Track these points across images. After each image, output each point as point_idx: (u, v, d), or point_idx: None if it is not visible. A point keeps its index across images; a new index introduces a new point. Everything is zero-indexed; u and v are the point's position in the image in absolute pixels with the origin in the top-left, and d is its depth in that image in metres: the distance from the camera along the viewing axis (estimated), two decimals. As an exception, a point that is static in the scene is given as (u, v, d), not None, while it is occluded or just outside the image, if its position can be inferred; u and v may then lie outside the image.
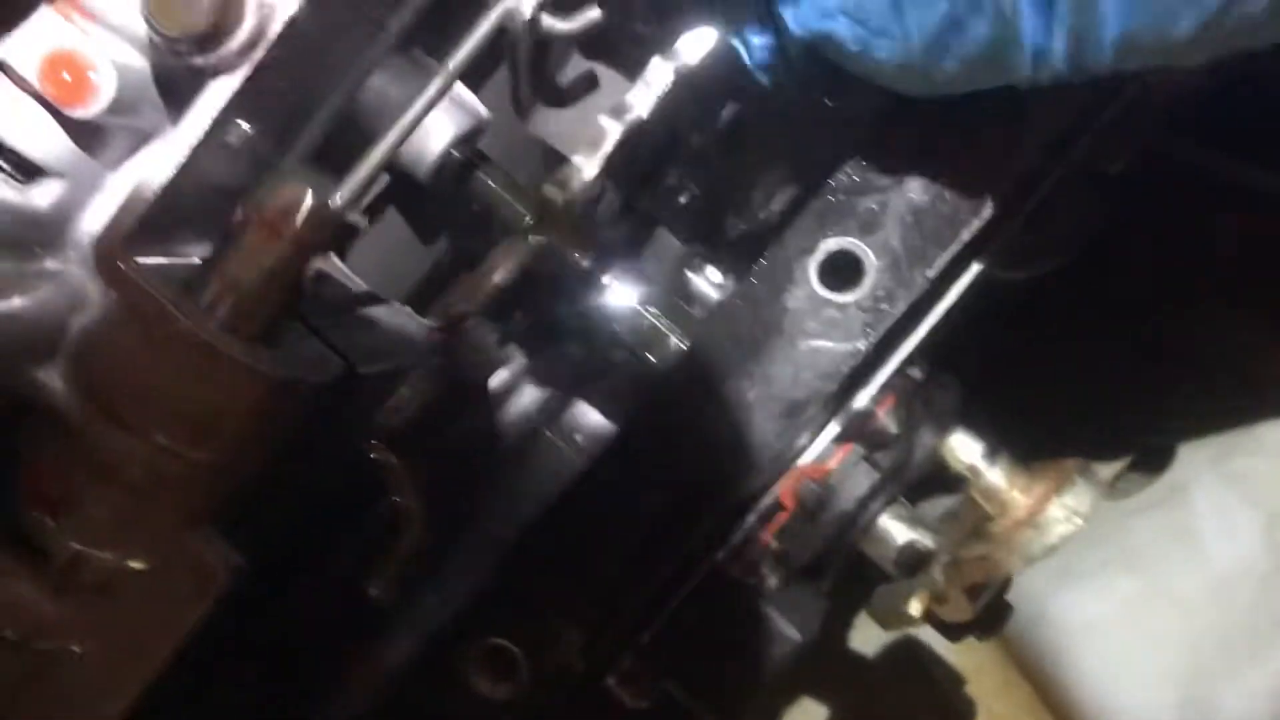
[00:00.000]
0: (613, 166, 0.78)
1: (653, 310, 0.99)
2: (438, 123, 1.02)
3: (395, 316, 1.06)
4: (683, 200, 1.10)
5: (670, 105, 0.79)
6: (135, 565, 0.83)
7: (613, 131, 0.77)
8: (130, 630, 0.84)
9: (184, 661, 0.86)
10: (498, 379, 1.11)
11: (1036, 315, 1.13)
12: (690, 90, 0.80)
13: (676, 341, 0.97)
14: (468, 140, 1.03)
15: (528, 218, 0.77)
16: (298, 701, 1.00)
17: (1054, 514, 0.71)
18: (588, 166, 0.77)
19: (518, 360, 1.13)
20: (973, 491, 0.75)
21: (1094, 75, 0.68)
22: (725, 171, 1.07)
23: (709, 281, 1.11)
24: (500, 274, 0.75)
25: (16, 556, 0.82)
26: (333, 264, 1.02)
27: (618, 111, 0.78)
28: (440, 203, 1.10)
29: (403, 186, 1.08)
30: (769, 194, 1.07)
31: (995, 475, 0.75)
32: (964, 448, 0.75)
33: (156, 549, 0.82)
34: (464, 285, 0.76)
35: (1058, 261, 1.00)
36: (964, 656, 1.45)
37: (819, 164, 0.92)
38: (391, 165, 0.95)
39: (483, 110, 1.04)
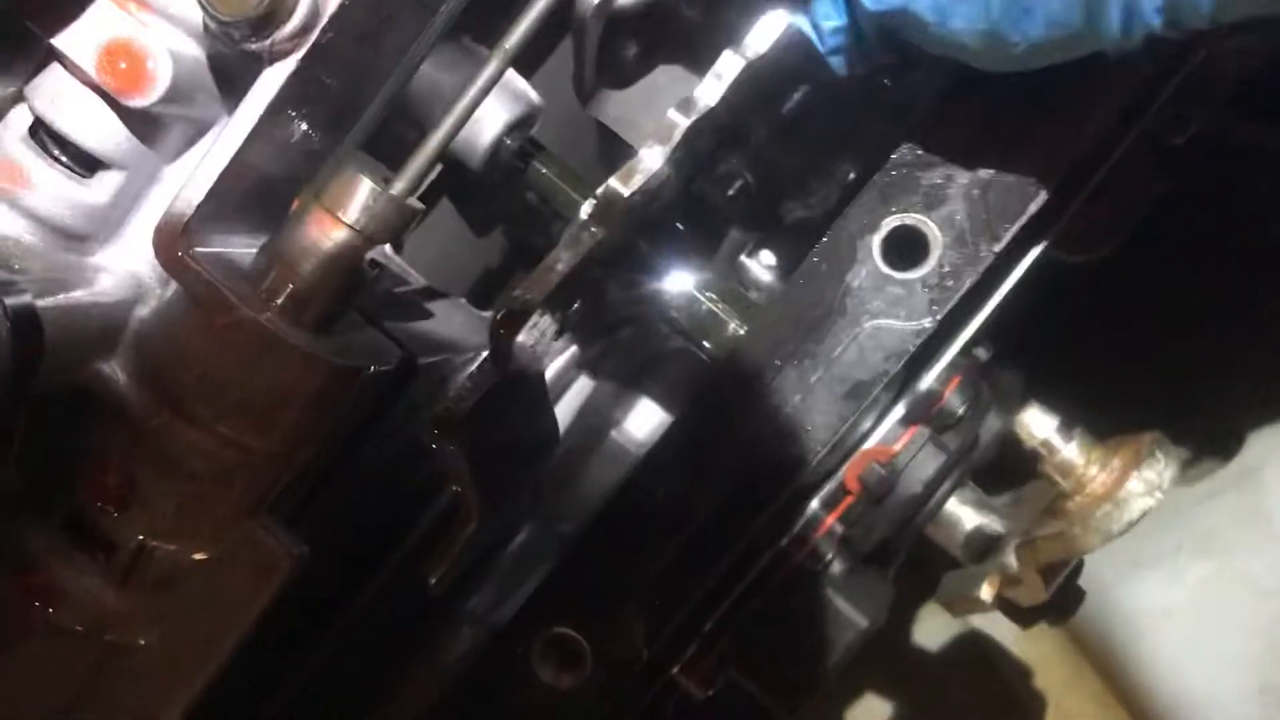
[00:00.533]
0: (678, 159, 0.76)
1: (710, 295, 0.98)
2: (490, 110, 1.02)
3: (451, 308, 1.05)
4: (739, 186, 1.09)
5: (739, 96, 0.78)
6: (198, 556, 0.83)
7: (681, 125, 0.76)
8: (194, 621, 0.84)
9: (247, 653, 0.86)
10: (553, 370, 1.11)
11: (1102, 297, 1.10)
12: (759, 81, 0.78)
13: (735, 327, 0.96)
14: (521, 127, 1.03)
15: (590, 207, 0.76)
16: (363, 693, 0.99)
17: (1134, 488, 0.69)
18: (653, 160, 0.75)
19: (572, 351, 1.12)
20: (1047, 468, 0.73)
21: (1190, 30, 0.65)
22: (781, 157, 1.05)
23: (764, 266, 1.09)
24: (564, 264, 0.74)
25: (82, 549, 0.82)
26: (388, 256, 1.02)
27: (686, 105, 0.77)
28: (493, 193, 1.10)
29: (455, 177, 1.07)
30: (825, 178, 1.06)
31: (1071, 450, 0.73)
32: (1037, 423, 0.73)
33: (219, 539, 0.82)
34: (528, 276, 0.75)
35: (1117, 242, 0.98)
36: (1031, 648, 1.42)
37: (876, 146, 0.91)
38: (444, 155, 0.94)
39: (535, 97, 1.04)
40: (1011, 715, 1.42)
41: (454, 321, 1.03)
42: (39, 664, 0.85)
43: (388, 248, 1.01)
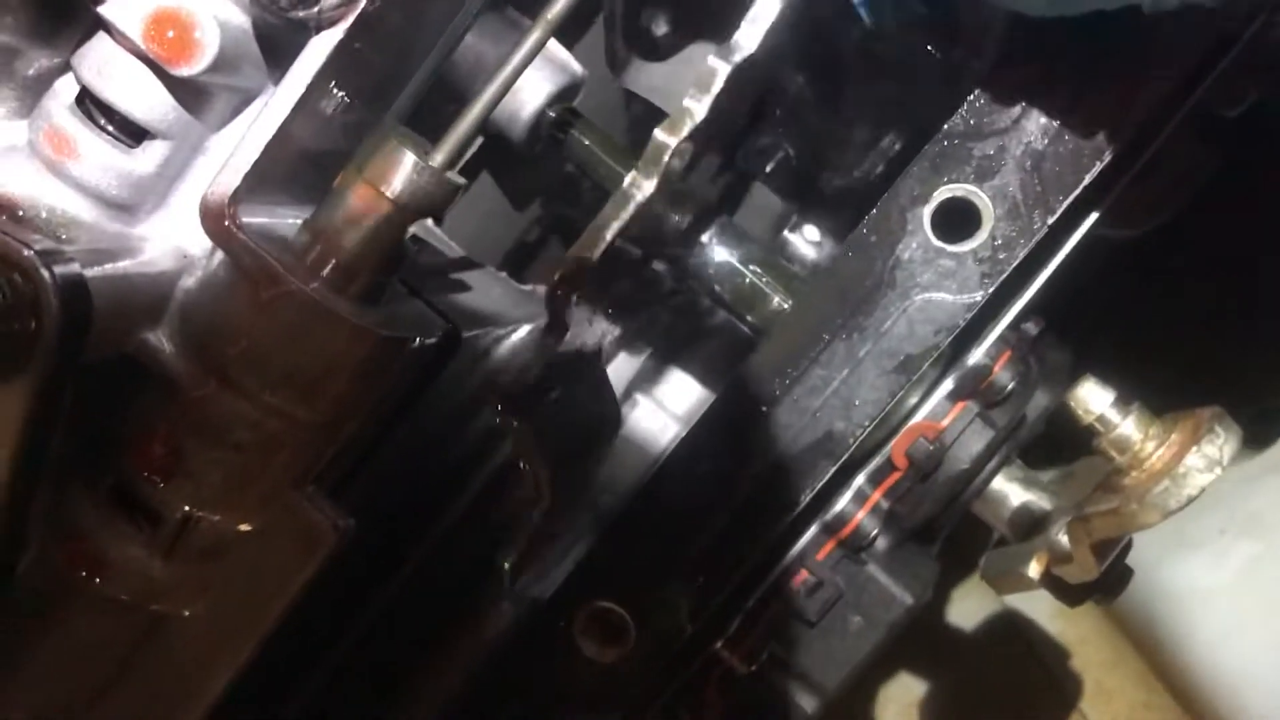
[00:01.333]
0: (720, 109, 0.75)
1: (753, 269, 0.97)
2: (533, 81, 1.01)
3: (491, 281, 1.05)
4: (779, 158, 1.08)
5: (776, 41, 0.76)
6: (244, 527, 0.83)
7: (721, 71, 0.75)
8: (239, 592, 0.84)
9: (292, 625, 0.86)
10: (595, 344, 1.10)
11: (1156, 270, 1.08)
12: (795, 27, 0.77)
13: (779, 301, 0.95)
14: (563, 98, 1.02)
15: (636, 169, 0.75)
16: (404, 667, 0.99)
17: (1193, 464, 0.68)
18: (698, 108, 0.74)
19: (615, 328, 1.11)
20: (1103, 443, 0.72)
21: None
22: (823, 126, 1.04)
23: (808, 241, 1.08)
24: (616, 221, 0.73)
25: (128, 519, 0.82)
26: (429, 229, 1.01)
27: (726, 51, 0.76)
28: (533, 165, 1.09)
29: (496, 149, 1.07)
30: (868, 148, 1.05)
31: (1128, 426, 0.71)
32: (1093, 398, 0.71)
33: (265, 510, 0.82)
34: (579, 241, 0.75)
35: (1166, 217, 0.96)
36: (1069, 628, 1.41)
37: (925, 116, 0.89)
38: (485, 127, 0.93)
39: (578, 67, 1.03)
40: (1049, 695, 1.41)
41: (494, 294, 1.02)
42: (85, 634, 0.86)
43: (429, 220, 1.01)
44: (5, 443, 0.71)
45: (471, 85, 0.99)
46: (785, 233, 1.06)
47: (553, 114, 1.01)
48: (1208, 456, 0.68)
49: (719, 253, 0.98)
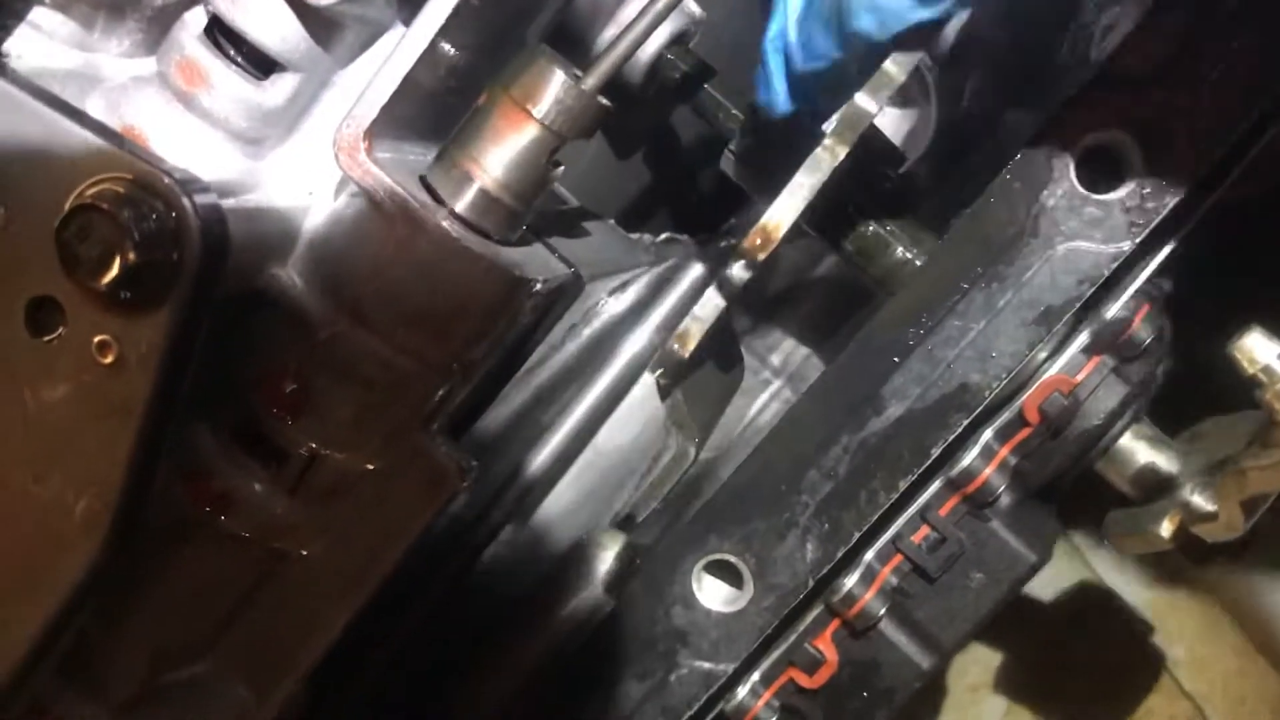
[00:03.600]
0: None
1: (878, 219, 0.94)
2: (651, 23, 0.98)
3: (604, 230, 1.03)
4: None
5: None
6: (369, 467, 0.82)
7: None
8: (361, 532, 0.84)
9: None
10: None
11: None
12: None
13: (903, 251, 0.92)
14: (680, 40, 1.00)
15: (832, 134, 0.73)
16: (516, 612, 0.99)
17: (1366, 420, 0.65)
18: (899, 72, 0.72)
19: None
20: (1267, 395, 0.70)
21: None
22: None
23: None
24: (809, 186, 0.71)
25: (253, 456, 0.82)
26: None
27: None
28: (645, 110, 1.07)
29: (606, 91, 1.04)
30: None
31: (1295, 380, 0.69)
32: (1260, 348, 0.69)
33: (390, 451, 0.81)
34: (769, 202, 0.73)
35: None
36: (1161, 597, 1.39)
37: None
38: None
39: (696, 9, 1.00)
40: (1139, 663, 1.39)
41: (605, 241, 1.01)
42: (207, 571, 0.86)
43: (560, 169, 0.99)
44: (146, 374, 0.71)
45: (591, 29, 0.97)
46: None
47: (670, 56, 0.98)
48: (1380, 413, 0.65)
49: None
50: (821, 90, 0.73)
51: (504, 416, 0.99)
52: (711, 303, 0.77)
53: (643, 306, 1.06)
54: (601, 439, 1.12)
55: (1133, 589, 1.41)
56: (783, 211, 0.73)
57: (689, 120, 1.08)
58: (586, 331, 1.02)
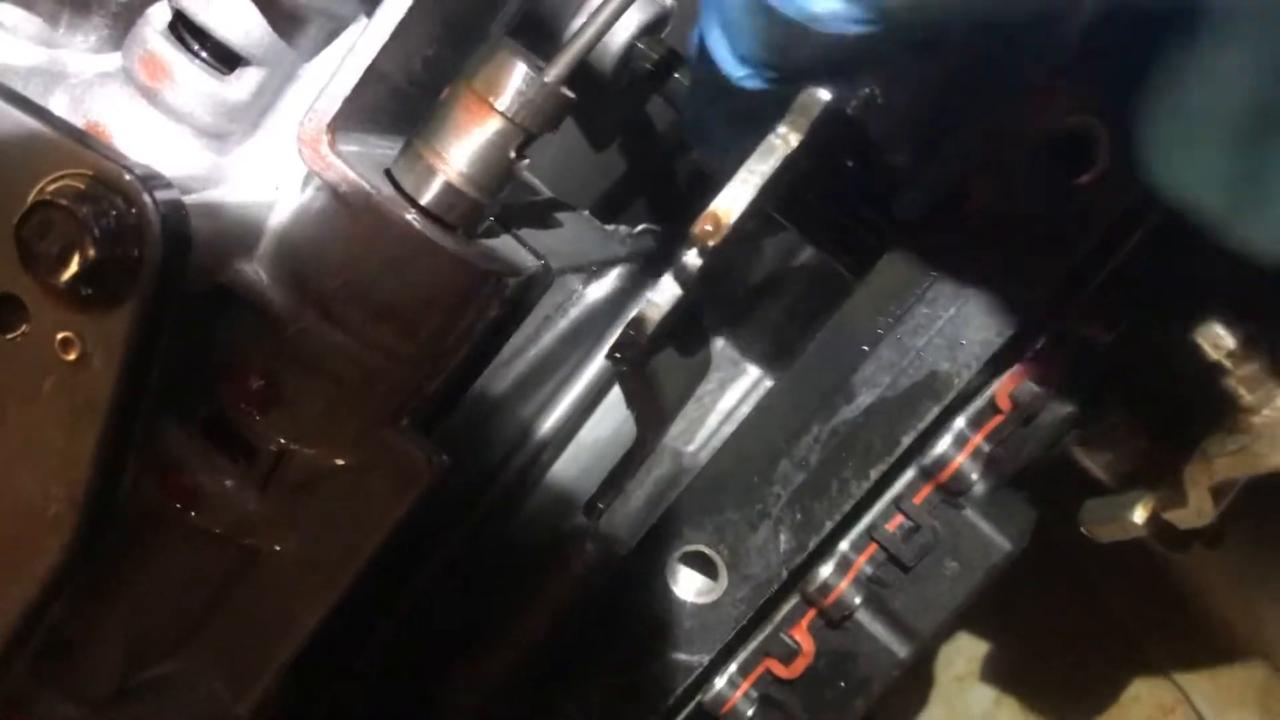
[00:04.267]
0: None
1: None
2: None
3: (577, 221, 1.03)
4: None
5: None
6: (339, 462, 0.82)
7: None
8: (333, 528, 0.84)
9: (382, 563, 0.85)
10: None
11: None
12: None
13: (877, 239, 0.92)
14: (652, 30, 0.99)
15: (785, 120, 0.72)
16: (491, 608, 0.99)
17: (1330, 406, 0.65)
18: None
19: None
20: (1230, 381, 0.69)
21: None
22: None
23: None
24: (760, 174, 0.71)
25: (223, 451, 0.82)
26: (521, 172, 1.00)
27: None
28: (618, 101, 1.06)
29: (578, 82, 1.04)
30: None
31: (1259, 362, 0.69)
32: (1224, 333, 0.69)
33: (361, 445, 0.81)
34: (721, 189, 0.73)
35: None
36: (1140, 578, 1.37)
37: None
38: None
39: (668, -1, 1.00)
40: (1118, 644, 1.39)
41: (578, 233, 1.00)
42: (178, 567, 0.86)
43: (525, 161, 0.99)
44: (110, 371, 0.70)
45: (559, 19, 0.96)
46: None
47: (641, 45, 0.98)
48: (1344, 398, 0.65)
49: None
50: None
51: (482, 411, 1.00)
52: (667, 289, 0.77)
53: (622, 298, 1.06)
54: (584, 433, 1.12)
55: (1114, 569, 1.40)
56: (733, 198, 0.72)
57: (666, 111, 1.08)
58: (564, 324, 1.02)
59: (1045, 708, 1.42)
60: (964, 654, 1.48)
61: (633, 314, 0.94)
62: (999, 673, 1.45)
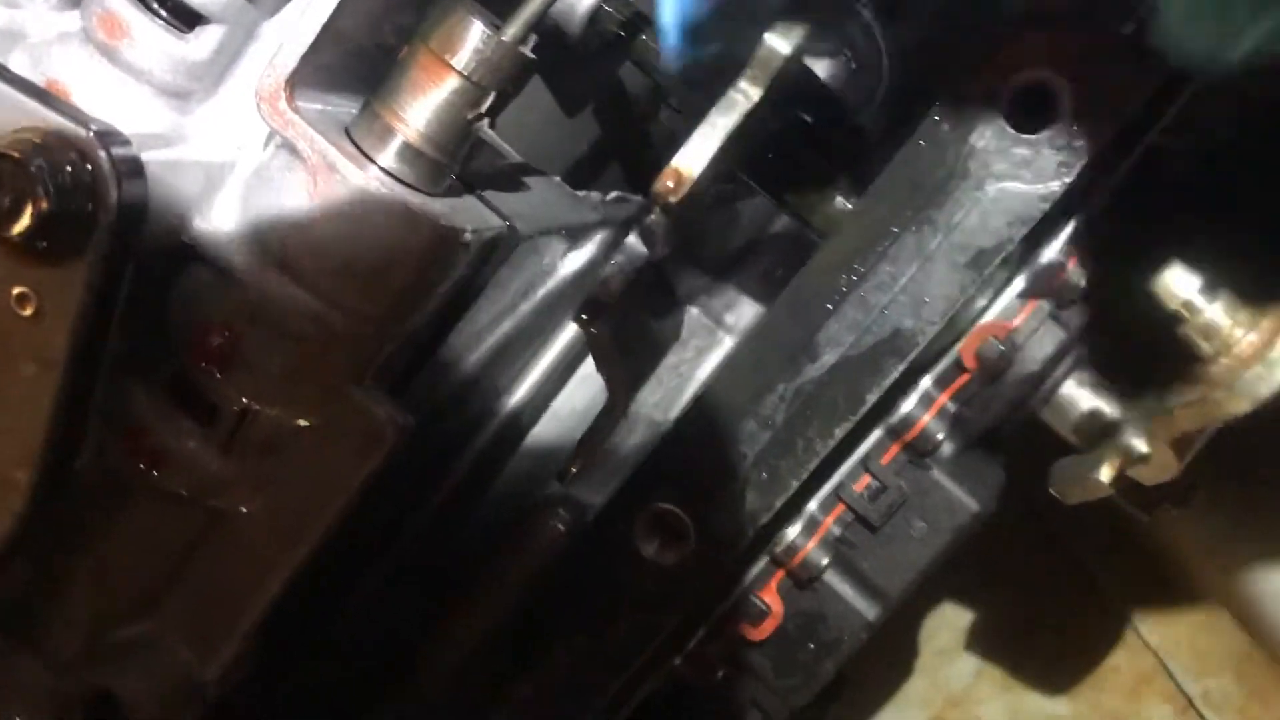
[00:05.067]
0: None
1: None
2: (589, -30, 0.98)
3: (547, 186, 1.03)
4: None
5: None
6: (302, 422, 0.82)
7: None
8: (298, 490, 0.83)
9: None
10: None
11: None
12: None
13: (842, 200, 0.92)
14: (620, -10, 0.99)
15: (745, 75, 0.72)
16: (461, 572, 0.99)
17: (1285, 351, 0.65)
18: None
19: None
20: (1188, 330, 0.69)
21: None
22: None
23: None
24: (721, 128, 0.71)
25: (185, 412, 0.82)
26: (486, 130, 0.99)
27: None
28: (588, 65, 1.06)
29: (548, 47, 1.04)
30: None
31: (1215, 311, 0.68)
32: (1180, 282, 0.68)
33: (324, 406, 0.81)
34: (683, 147, 0.72)
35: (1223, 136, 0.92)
36: (1126, 552, 1.38)
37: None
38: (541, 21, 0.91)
39: (637, -40, 1.00)
40: (1103, 618, 1.39)
41: (549, 198, 1.00)
42: (144, 529, 0.86)
43: (485, 123, 0.99)
44: (66, 326, 0.70)
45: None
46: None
47: (608, 8, 0.98)
48: (1300, 345, 0.65)
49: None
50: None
51: (459, 380, 0.99)
52: (632, 248, 0.77)
53: (598, 267, 1.06)
54: (559, 402, 1.12)
55: (1100, 543, 1.40)
56: (694, 153, 0.72)
57: (639, 78, 1.08)
58: (542, 294, 1.01)
59: (1026, 679, 1.42)
60: (947, 627, 1.48)
61: (604, 278, 0.93)
62: (981, 644, 1.45)
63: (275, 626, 0.89)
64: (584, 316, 0.78)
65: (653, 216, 0.75)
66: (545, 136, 1.15)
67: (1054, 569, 1.42)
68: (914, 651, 1.48)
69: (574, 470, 0.89)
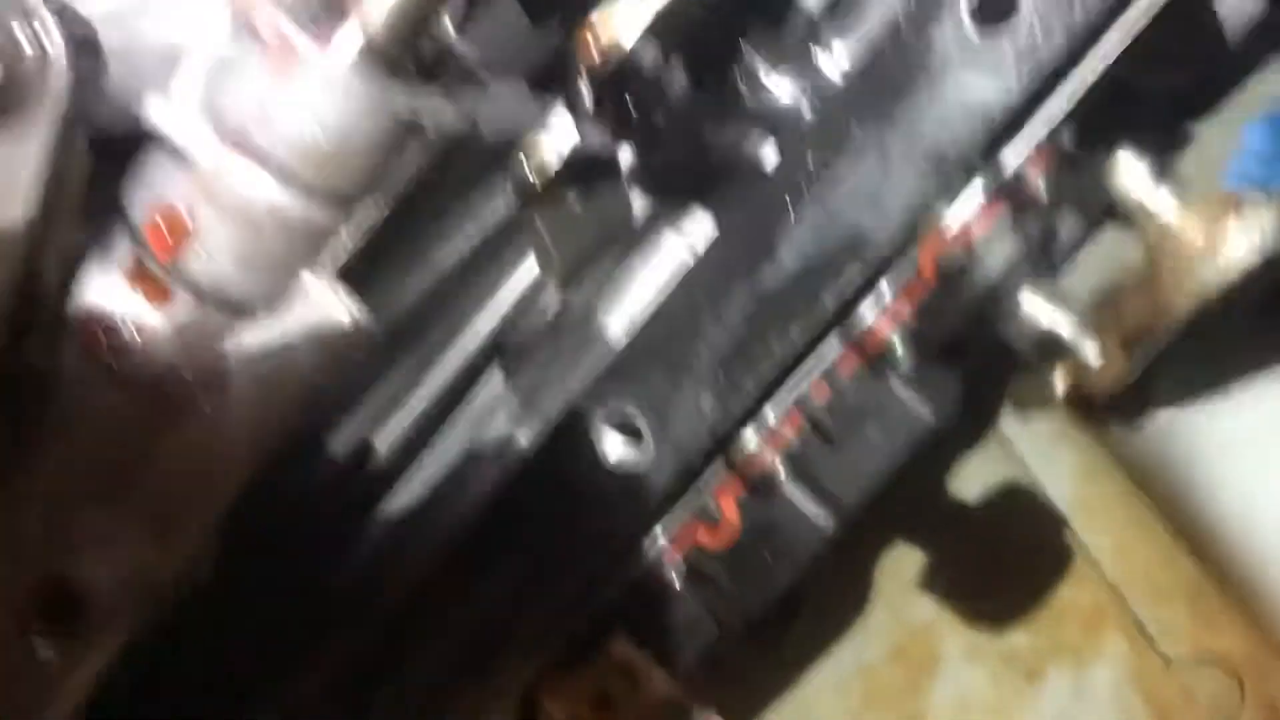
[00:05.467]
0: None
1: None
2: None
3: (508, 91, 1.02)
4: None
5: None
6: (259, 311, 0.82)
7: None
8: (253, 381, 0.83)
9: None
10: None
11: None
12: None
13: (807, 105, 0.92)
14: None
15: None
16: (419, 479, 0.99)
17: (1234, 241, 0.65)
18: None
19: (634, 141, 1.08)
20: (1141, 231, 0.69)
21: None
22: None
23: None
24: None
25: (144, 297, 0.81)
26: (447, 27, 0.99)
27: None
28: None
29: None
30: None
31: (1163, 199, 0.69)
32: (1129, 168, 0.68)
33: (281, 293, 0.81)
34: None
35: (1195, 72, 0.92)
36: (1092, 490, 1.39)
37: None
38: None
39: None
40: (1069, 554, 1.40)
41: (515, 105, 1.00)
42: (103, 419, 0.85)
43: (446, 21, 0.98)
44: (16, 200, 0.70)
45: None
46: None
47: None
48: (1248, 235, 0.65)
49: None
50: None
51: (419, 293, 0.99)
52: (562, 121, 0.76)
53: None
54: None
55: (1062, 482, 1.41)
56: (623, 19, 0.71)
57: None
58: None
59: (985, 613, 1.43)
60: (910, 561, 1.49)
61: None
62: (943, 580, 1.46)
63: (236, 528, 0.89)
64: (516, 198, 0.77)
65: (581, 85, 0.74)
66: (509, 42, 1.14)
67: (1017, 505, 1.43)
68: (876, 584, 1.50)
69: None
